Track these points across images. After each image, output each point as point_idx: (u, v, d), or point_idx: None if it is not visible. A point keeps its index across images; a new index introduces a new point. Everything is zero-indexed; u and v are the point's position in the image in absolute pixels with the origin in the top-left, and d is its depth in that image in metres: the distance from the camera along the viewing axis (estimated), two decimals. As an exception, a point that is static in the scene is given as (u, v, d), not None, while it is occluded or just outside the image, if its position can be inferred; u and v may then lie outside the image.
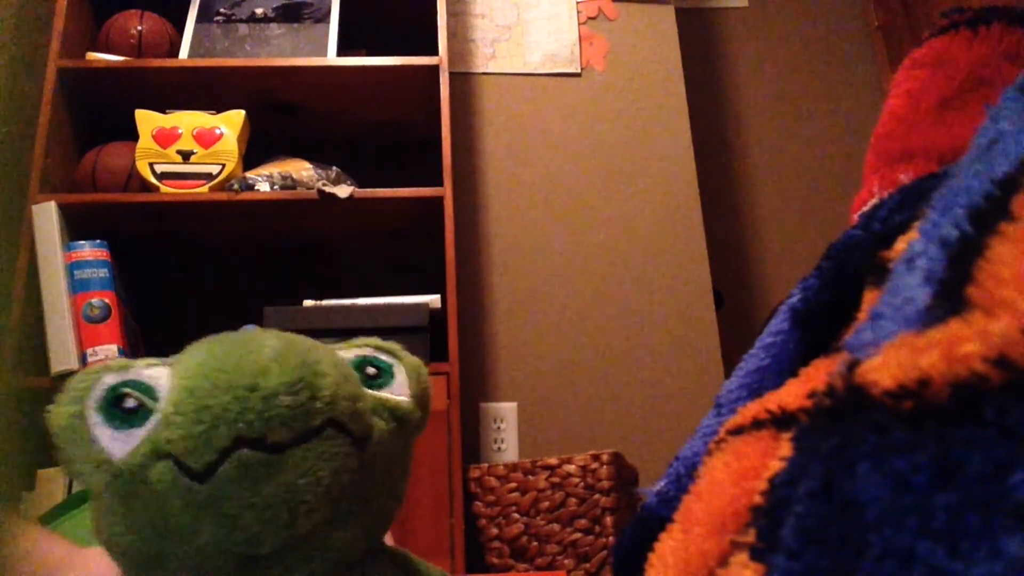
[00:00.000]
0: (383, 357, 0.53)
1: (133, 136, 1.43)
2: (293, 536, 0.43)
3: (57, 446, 0.42)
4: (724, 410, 0.42)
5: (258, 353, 0.43)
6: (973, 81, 0.51)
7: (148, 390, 0.43)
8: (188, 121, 1.44)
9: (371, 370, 0.51)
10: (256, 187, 1.40)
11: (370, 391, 0.49)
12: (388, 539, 0.58)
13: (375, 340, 0.54)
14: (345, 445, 0.44)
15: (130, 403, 0.42)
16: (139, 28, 1.55)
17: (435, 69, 1.49)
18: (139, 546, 0.42)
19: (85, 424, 0.41)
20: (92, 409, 0.42)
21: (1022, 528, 0.17)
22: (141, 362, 0.45)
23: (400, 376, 0.52)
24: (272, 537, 0.42)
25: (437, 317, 1.34)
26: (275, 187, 1.42)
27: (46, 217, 1.32)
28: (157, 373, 0.44)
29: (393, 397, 0.50)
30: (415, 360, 0.54)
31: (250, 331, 0.47)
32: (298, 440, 0.42)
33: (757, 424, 0.33)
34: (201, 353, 0.44)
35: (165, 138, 1.42)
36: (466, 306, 1.64)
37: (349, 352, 0.52)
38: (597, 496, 1.17)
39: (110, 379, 0.43)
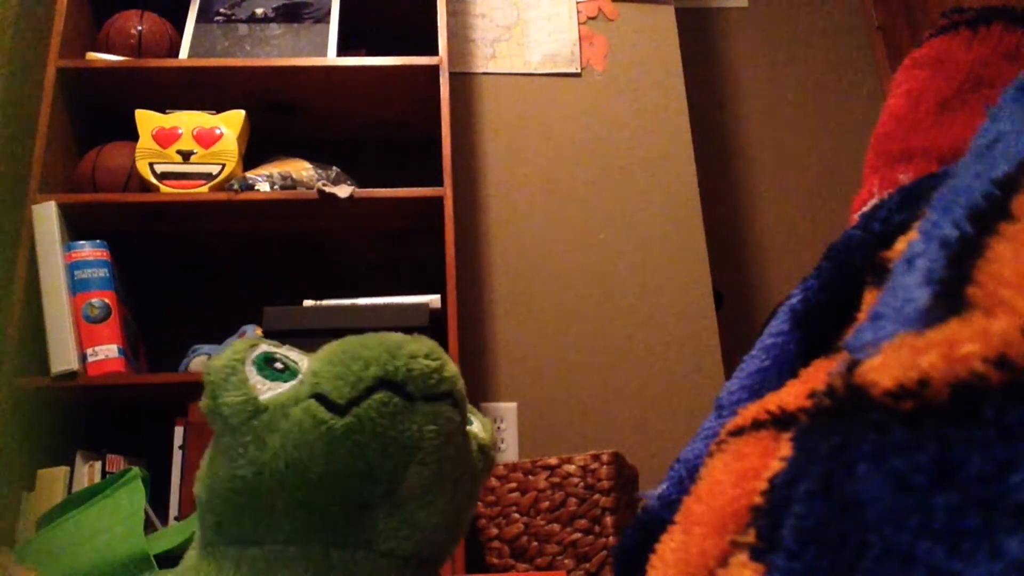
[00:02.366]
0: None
1: (133, 136, 1.43)
2: (402, 486, 0.48)
3: (210, 386, 0.48)
4: (725, 411, 0.42)
5: (398, 335, 0.51)
6: (973, 81, 0.51)
7: (293, 361, 0.51)
8: (188, 121, 1.44)
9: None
10: (256, 187, 1.40)
11: None
12: None
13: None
14: (458, 417, 0.50)
15: (279, 365, 0.50)
16: (139, 28, 1.55)
17: (435, 69, 1.49)
18: (258, 482, 0.47)
19: (242, 368, 0.49)
20: (249, 362, 0.50)
21: (1022, 528, 0.17)
22: (287, 347, 0.53)
23: (477, 421, 0.60)
24: (387, 477, 0.47)
25: (437, 317, 1.34)
26: (275, 187, 1.42)
27: (46, 217, 1.32)
28: (299, 355, 0.52)
29: (480, 432, 0.58)
30: (487, 419, 0.62)
31: None
32: (428, 397, 0.48)
33: (757, 425, 0.34)
34: (343, 339, 0.52)
35: (165, 138, 1.42)
36: (466, 306, 1.64)
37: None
38: (597, 496, 1.17)
39: (265, 347, 0.51)
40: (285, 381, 0.49)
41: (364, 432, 0.46)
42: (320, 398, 0.47)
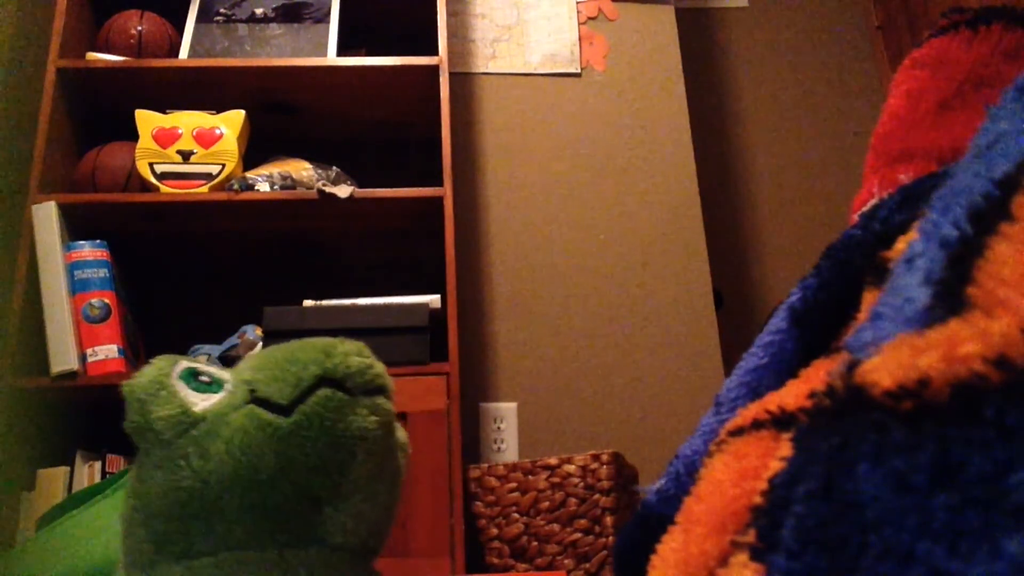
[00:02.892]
0: None
1: (133, 136, 1.43)
2: (351, 478, 0.49)
3: (136, 403, 0.48)
4: (724, 409, 0.42)
5: (318, 339, 0.52)
6: (973, 81, 0.51)
7: (217, 374, 0.51)
8: (188, 121, 1.44)
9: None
10: (256, 187, 1.40)
11: None
12: None
13: None
14: (389, 412, 0.52)
15: (205, 378, 0.51)
16: (139, 28, 1.55)
17: (435, 69, 1.49)
18: (205, 491, 0.47)
19: (170, 382, 0.49)
20: (175, 376, 0.50)
21: (1022, 528, 0.17)
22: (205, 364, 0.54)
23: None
24: (336, 472, 0.48)
25: (437, 317, 1.34)
26: (275, 187, 1.42)
27: (46, 217, 1.32)
28: (219, 371, 0.52)
29: (399, 434, 0.59)
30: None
31: None
32: (367, 391, 0.50)
33: (757, 425, 0.34)
34: (265, 350, 0.53)
35: (165, 138, 1.42)
36: (466, 306, 1.64)
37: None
38: (597, 496, 1.17)
39: (186, 363, 0.51)
40: (214, 392, 0.49)
41: (312, 428, 0.47)
42: (261, 402, 0.48)
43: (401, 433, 0.59)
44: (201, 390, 0.49)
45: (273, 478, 0.47)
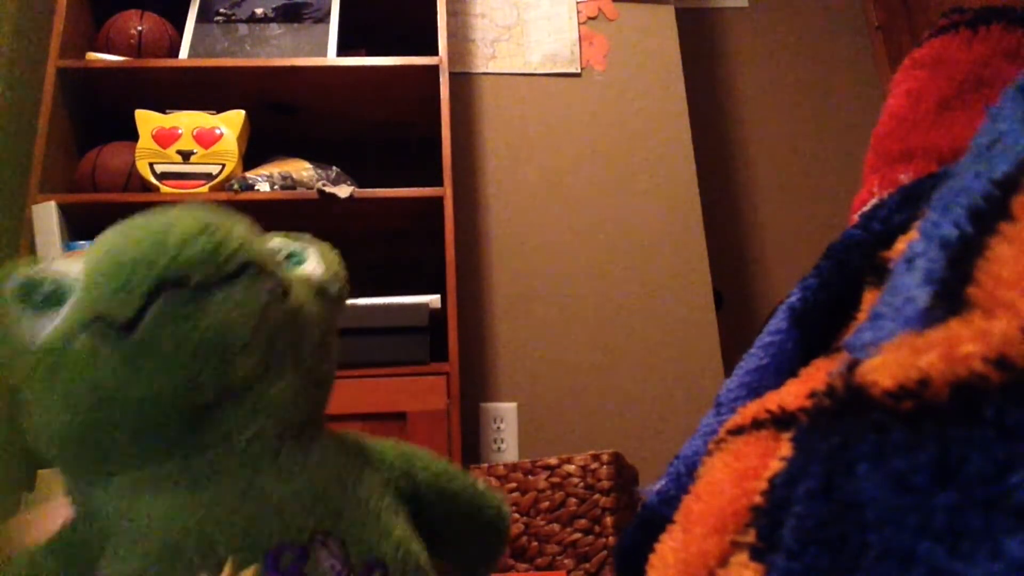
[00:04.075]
0: (293, 245, 0.56)
1: (133, 136, 1.43)
2: (232, 380, 0.43)
3: None
4: (724, 409, 0.42)
5: (166, 212, 0.45)
6: (973, 81, 0.51)
7: (60, 277, 0.44)
8: (188, 121, 1.44)
9: (283, 253, 0.54)
10: (256, 187, 1.40)
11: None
12: None
13: (283, 233, 0.57)
14: (268, 284, 0.45)
15: (46, 287, 0.43)
16: (139, 28, 1.55)
17: (435, 69, 1.49)
18: (76, 424, 0.42)
19: (4, 316, 0.42)
20: (9, 300, 0.43)
21: (1022, 528, 0.17)
22: (55, 259, 0.46)
23: (312, 257, 0.54)
24: (211, 379, 0.42)
25: (437, 317, 1.34)
26: (275, 187, 1.42)
27: (46, 217, 1.31)
28: (64, 263, 0.45)
29: (307, 272, 0.53)
30: (324, 244, 0.57)
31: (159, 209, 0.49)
32: (222, 280, 0.42)
33: (757, 424, 0.33)
34: (112, 229, 0.46)
35: (165, 138, 1.42)
36: (466, 306, 1.64)
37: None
38: (597, 496, 1.17)
39: (23, 272, 0.44)
40: (59, 306, 0.43)
41: (162, 344, 0.41)
42: (102, 319, 0.41)
43: (322, 268, 0.53)
44: (42, 308, 0.43)
45: (140, 402, 0.42)
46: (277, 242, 0.55)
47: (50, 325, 0.42)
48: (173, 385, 0.42)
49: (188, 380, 0.42)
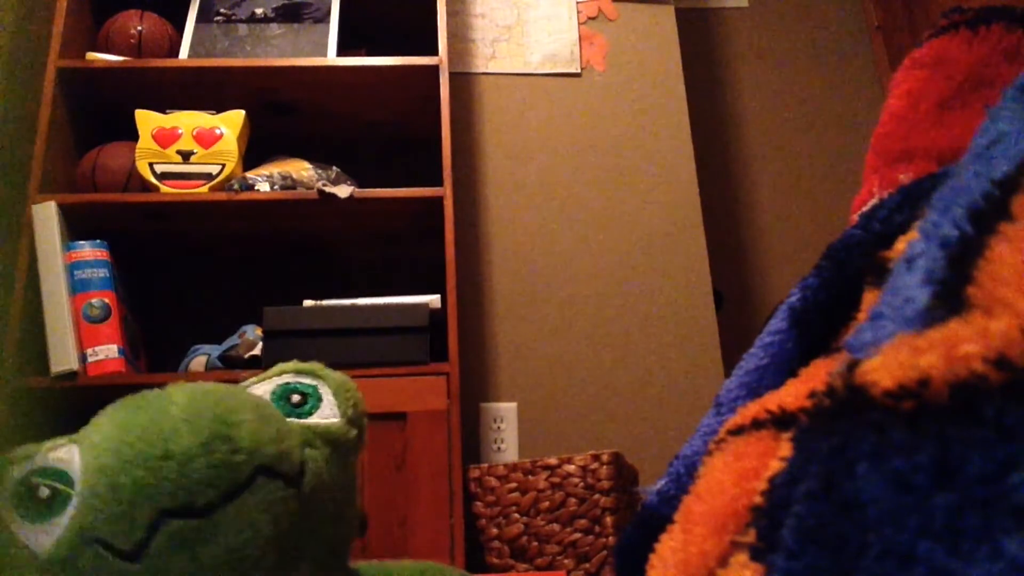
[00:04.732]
0: (305, 380, 0.51)
1: (133, 136, 1.43)
2: None
3: None
4: (724, 409, 0.42)
5: (165, 416, 0.40)
6: (973, 81, 0.51)
7: (60, 474, 0.41)
8: (188, 121, 1.44)
9: (295, 397, 0.49)
10: (256, 187, 1.40)
11: (297, 421, 0.47)
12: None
13: (293, 364, 0.52)
14: (280, 489, 0.41)
15: (44, 492, 0.40)
16: (139, 28, 1.55)
17: (435, 69, 1.49)
18: None
19: (3, 522, 0.39)
20: (8, 506, 0.40)
21: (1022, 528, 0.17)
22: (47, 444, 0.42)
23: (327, 397, 0.50)
24: None
25: (437, 317, 1.34)
26: (275, 187, 1.42)
27: (46, 217, 1.32)
28: (65, 454, 0.41)
29: (322, 422, 0.48)
30: (339, 377, 0.52)
31: (156, 392, 0.44)
32: (228, 497, 0.39)
33: (757, 424, 0.33)
34: (107, 424, 0.42)
35: (165, 138, 1.42)
36: (466, 306, 1.64)
37: (267, 384, 0.50)
38: (597, 496, 1.17)
39: (16, 472, 0.41)
40: (59, 513, 0.39)
41: (168, 572, 0.38)
42: (103, 543, 0.39)
43: (336, 412, 0.49)
44: (41, 517, 0.39)
45: None
46: (287, 378, 0.51)
47: (52, 535, 0.39)
48: None
49: None
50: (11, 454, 0.42)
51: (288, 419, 0.47)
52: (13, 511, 0.40)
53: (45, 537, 0.39)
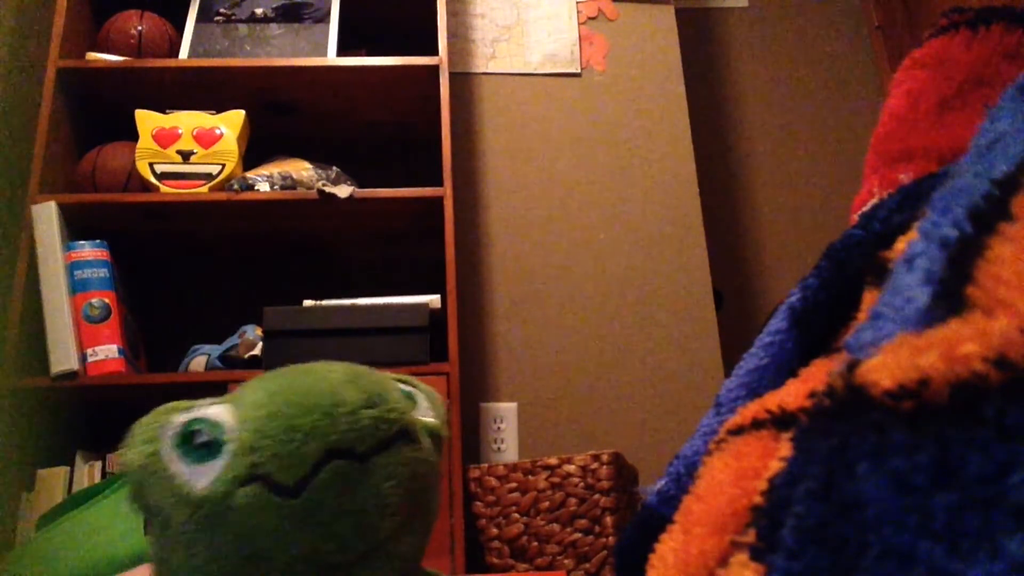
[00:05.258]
0: (403, 387, 0.57)
1: (133, 136, 1.43)
2: (376, 540, 0.46)
3: (134, 486, 0.43)
4: (724, 409, 0.42)
5: (329, 378, 0.47)
6: (973, 81, 0.51)
7: (216, 426, 0.45)
8: (188, 121, 1.44)
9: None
10: (256, 187, 1.40)
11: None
12: None
13: (393, 375, 0.58)
14: (416, 451, 0.48)
15: (203, 438, 0.44)
16: (139, 28, 1.55)
17: (435, 69, 1.49)
18: (221, 570, 0.43)
19: (162, 461, 0.43)
20: (168, 447, 0.44)
21: (1022, 528, 0.17)
22: (203, 402, 0.47)
23: (422, 401, 0.56)
24: (360, 540, 0.45)
25: (437, 317, 1.34)
26: (275, 187, 1.42)
27: (46, 217, 1.32)
28: (219, 410, 0.46)
29: (429, 419, 0.54)
30: (429, 387, 0.59)
31: (308, 364, 0.51)
32: (380, 448, 0.45)
33: (757, 424, 0.33)
34: (268, 385, 0.47)
35: (165, 138, 1.42)
36: (466, 306, 1.64)
37: None
38: (597, 496, 1.17)
39: (180, 417, 0.45)
40: (215, 457, 0.43)
41: (324, 509, 0.43)
42: (265, 479, 0.42)
43: (433, 413, 0.55)
44: (200, 459, 0.43)
45: (289, 560, 0.43)
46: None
47: (208, 476, 0.43)
48: (326, 546, 0.43)
49: (341, 542, 0.44)
50: (168, 406, 0.46)
51: None
52: (175, 452, 0.44)
53: (202, 477, 0.43)
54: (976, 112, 0.50)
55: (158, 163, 1.40)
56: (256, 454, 0.43)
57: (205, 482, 0.43)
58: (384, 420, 0.46)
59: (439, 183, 1.42)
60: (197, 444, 0.44)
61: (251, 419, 0.45)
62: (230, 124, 1.46)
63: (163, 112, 1.46)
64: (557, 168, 1.76)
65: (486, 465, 1.31)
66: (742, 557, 0.27)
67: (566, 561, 1.16)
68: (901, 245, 0.36)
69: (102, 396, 1.31)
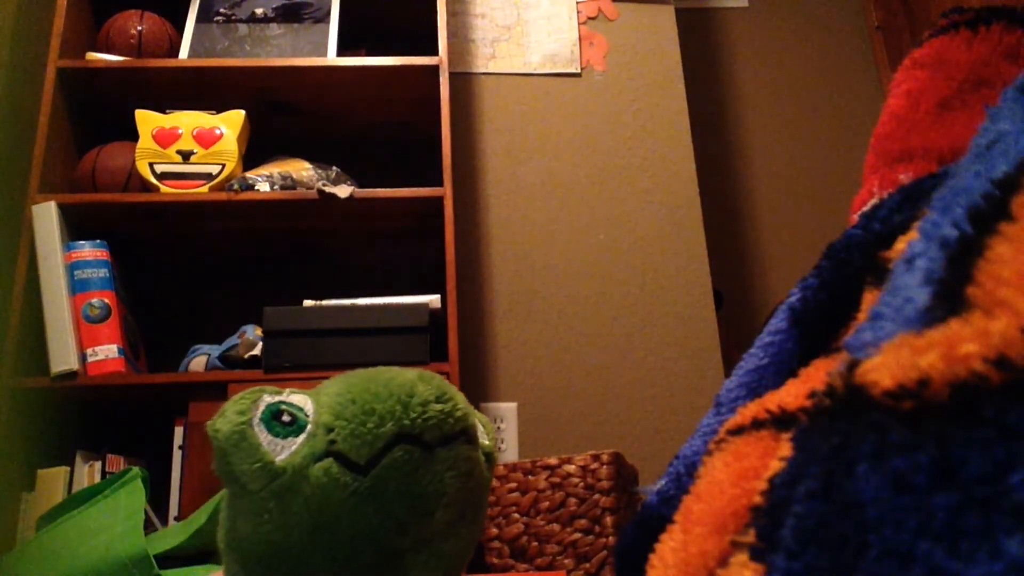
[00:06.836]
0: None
1: (133, 136, 1.43)
2: (431, 531, 0.49)
3: (220, 452, 0.47)
4: (724, 409, 0.42)
5: (403, 375, 0.51)
6: (973, 81, 0.51)
7: (299, 409, 0.50)
8: (188, 121, 1.44)
9: None
10: (256, 187, 1.40)
11: None
12: None
13: None
14: (475, 451, 0.52)
15: (287, 417, 0.49)
16: (139, 28, 1.55)
17: (435, 69, 1.49)
18: (288, 544, 0.47)
19: (252, 430, 0.48)
20: (256, 420, 0.48)
21: (1022, 528, 0.17)
22: (287, 390, 0.52)
23: (478, 425, 0.59)
24: (416, 526, 0.48)
25: (437, 317, 1.34)
26: (275, 187, 1.42)
27: (46, 217, 1.32)
28: (302, 398, 0.51)
29: (484, 440, 0.58)
30: (485, 416, 0.62)
31: (383, 367, 0.55)
32: (445, 441, 0.49)
33: (757, 424, 0.34)
34: (347, 379, 0.52)
35: (165, 138, 1.42)
36: (466, 306, 1.64)
37: None
38: (597, 496, 1.17)
39: (269, 398, 0.50)
40: (296, 435, 0.48)
41: (389, 488, 0.47)
42: (339, 456, 0.47)
43: (486, 436, 0.58)
44: (283, 434, 0.48)
45: (353, 537, 0.47)
46: None
47: (289, 449, 0.48)
48: (386, 526, 0.47)
49: (400, 524, 0.48)
50: (257, 388, 0.51)
51: None
52: (263, 426, 0.48)
53: (284, 451, 0.48)
54: (976, 112, 0.50)
55: (158, 163, 1.40)
56: (333, 432, 0.48)
57: (286, 455, 0.47)
58: (451, 415, 0.50)
59: (439, 183, 1.42)
60: (283, 422, 0.49)
61: (330, 404, 0.49)
62: (230, 124, 1.46)
63: (163, 112, 1.46)
64: (557, 168, 1.76)
65: (486, 465, 1.31)
66: (742, 557, 0.27)
67: (566, 561, 1.16)
68: (901, 245, 0.36)
69: (102, 396, 1.31)
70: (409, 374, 0.51)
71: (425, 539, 0.49)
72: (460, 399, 0.52)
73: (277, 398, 0.50)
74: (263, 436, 0.48)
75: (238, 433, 0.47)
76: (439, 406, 0.49)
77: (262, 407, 0.49)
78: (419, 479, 0.47)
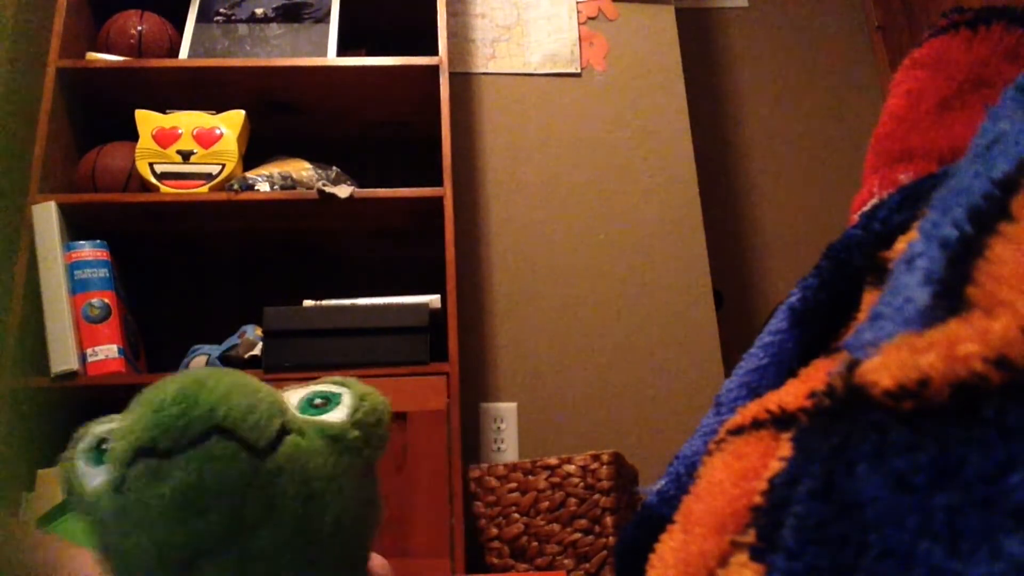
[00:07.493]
0: (333, 388, 0.56)
1: (133, 136, 1.43)
2: (205, 539, 0.47)
3: (65, 497, 0.49)
4: (724, 409, 0.42)
5: (171, 382, 0.48)
6: (973, 81, 0.51)
7: (106, 434, 0.51)
8: (188, 121, 1.44)
9: (318, 401, 0.55)
10: (256, 187, 1.40)
11: (303, 416, 0.53)
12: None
13: (334, 377, 0.58)
14: (231, 450, 0.47)
15: (105, 446, 0.50)
16: (139, 28, 1.55)
17: (435, 69, 1.49)
18: (105, 563, 0.50)
19: (74, 469, 0.49)
20: (79, 457, 0.50)
21: (1022, 528, 0.17)
22: (120, 416, 0.52)
23: (346, 402, 0.55)
24: (183, 538, 0.46)
25: (437, 317, 1.34)
26: (275, 187, 1.42)
27: (46, 217, 1.32)
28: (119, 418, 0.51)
29: (326, 419, 0.53)
30: (365, 388, 0.57)
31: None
32: (185, 446, 0.46)
33: (757, 424, 0.34)
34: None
35: (165, 138, 1.42)
36: (466, 306, 1.64)
37: (303, 391, 0.56)
38: (597, 496, 1.17)
39: (93, 432, 0.51)
40: (106, 463, 0.49)
41: (136, 503, 0.46)
42: (110, 480, 0.48)
43: (347, 411, 0.53)
44: (97, 463, 0.49)
45: (128, 552, 0.47)
46: (320, 387, 0.57)
47: (98, 479, 0.48)
48: (152, 541, 0.47)
49: (163, 538, 0.46)
50: (92, 422, 0.52)
51: (302, 415, 0.53)
52: (81, 459, 0.50)
53: (92, 480, 0.49)
54: (976, 112, 0.50)
55: (158, 163, 1.40)
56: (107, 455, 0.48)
57: (92, 485, 0.48)
58: (187, 417, 0.47)
59: (439, 183, 1.42)
60: (100, 451, 0.49)
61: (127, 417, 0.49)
62: (230, 124, 1.46)
63: (163, 112, 1.46)
64: (557, 168, 1.76)
65: (486, 465, 1.31)
66: (742, 557, 0.27)
67: (566, 561, 1.16)
68: (901, 245, 0.36)
69: (102, 396, 1.31)
70: (182, 377, 0.48)
71: (211, 546, 0.46)
72: (208, 395, 0.47)
73: (105, 426, 0.51)
74: (82, 471, 0.49)
75: (65, 472, 0.49)
76: (173, 408, 0.46)
77: (87, 441, 0.51)
78: (158, 490, 0.45)
